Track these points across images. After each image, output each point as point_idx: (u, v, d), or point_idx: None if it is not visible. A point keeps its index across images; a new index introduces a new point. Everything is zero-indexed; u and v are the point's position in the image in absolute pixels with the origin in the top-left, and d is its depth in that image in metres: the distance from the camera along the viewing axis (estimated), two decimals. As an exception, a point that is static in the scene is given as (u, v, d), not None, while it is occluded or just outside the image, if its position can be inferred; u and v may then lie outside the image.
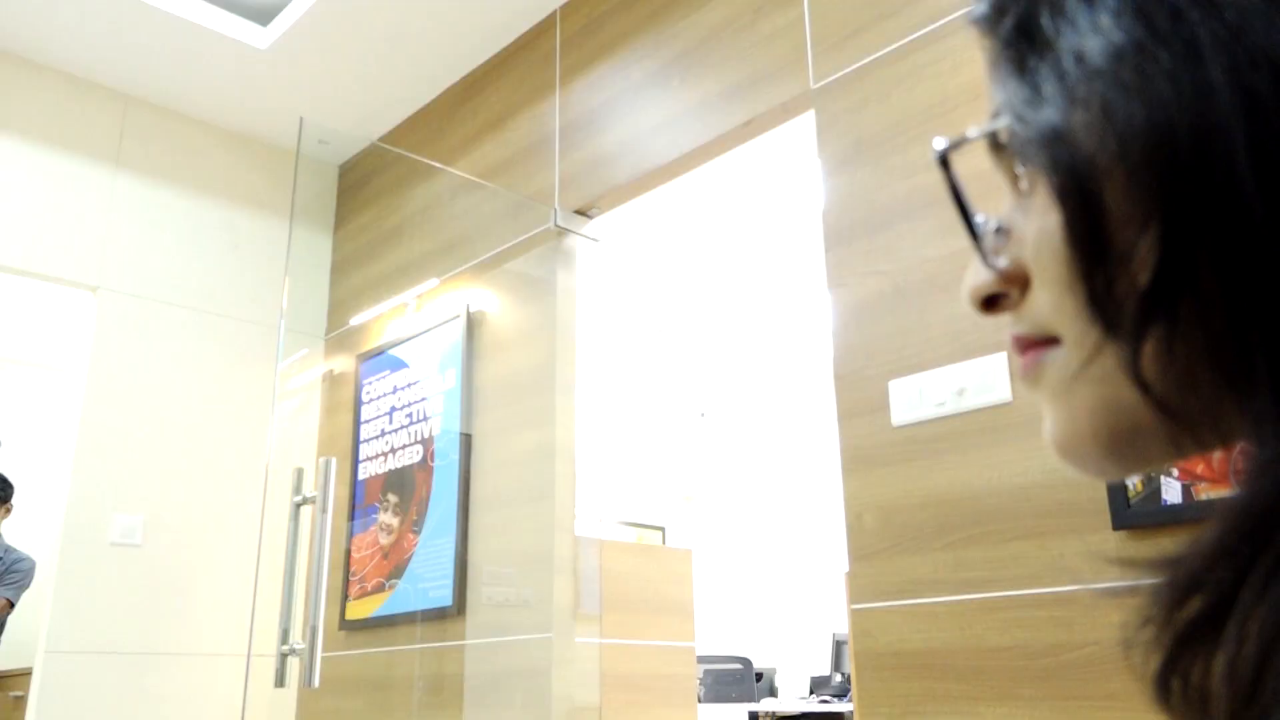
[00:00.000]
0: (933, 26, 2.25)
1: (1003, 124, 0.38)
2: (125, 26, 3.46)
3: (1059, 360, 0.38)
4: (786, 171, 4.15)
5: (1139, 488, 1.75)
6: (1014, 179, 0.39)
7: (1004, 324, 0.41)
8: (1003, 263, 0.39)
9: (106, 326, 3.61)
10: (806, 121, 2.53)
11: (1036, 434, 1.91)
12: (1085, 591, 1.79)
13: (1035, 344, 0.39)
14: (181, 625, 3.56)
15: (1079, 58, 0.34)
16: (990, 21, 0.39)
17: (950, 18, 2.22)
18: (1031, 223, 0.37)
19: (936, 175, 2.15)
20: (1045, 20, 0.36)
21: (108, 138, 3.75)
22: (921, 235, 2.17)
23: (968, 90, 2.16)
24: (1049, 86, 0.35)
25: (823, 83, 2.45)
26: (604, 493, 6.90)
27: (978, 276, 0.40)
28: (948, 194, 0.39)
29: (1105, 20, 0.33)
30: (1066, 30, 0.35)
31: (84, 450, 3.47)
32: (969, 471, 2.00)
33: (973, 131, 0.39)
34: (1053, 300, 0.37)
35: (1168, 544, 0.35)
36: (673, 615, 3.34)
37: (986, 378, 2.00)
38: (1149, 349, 0.33)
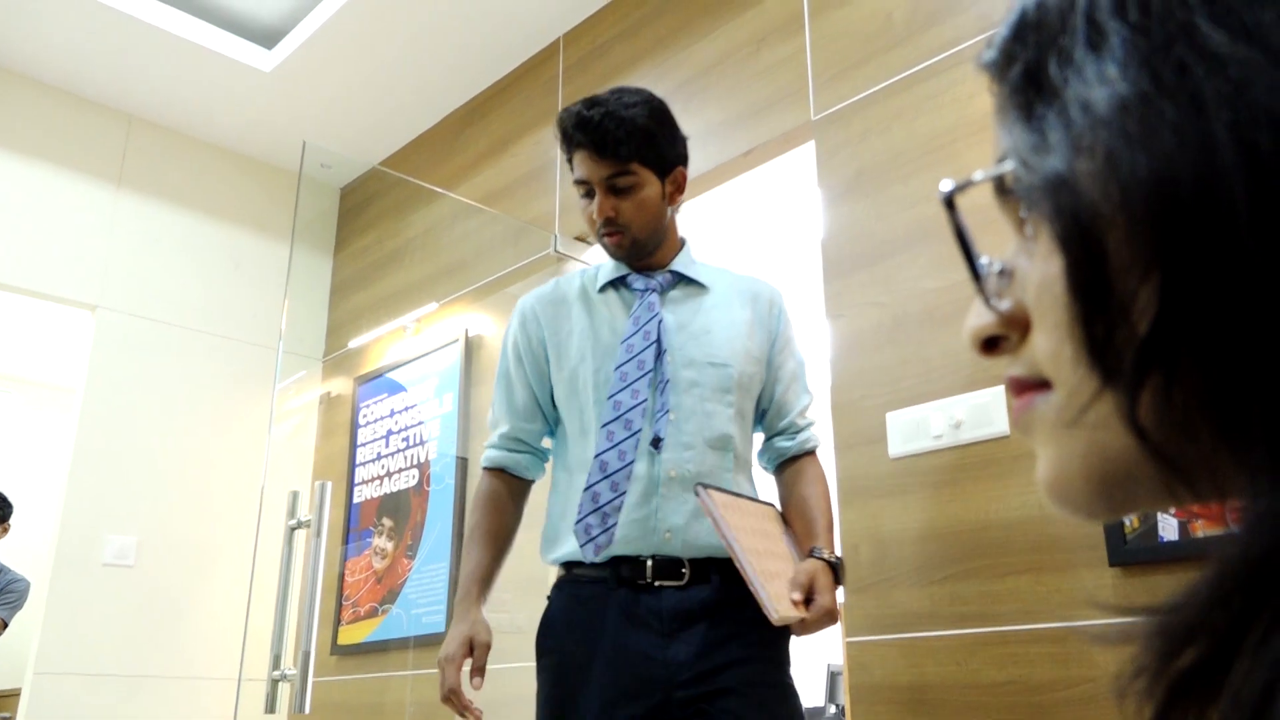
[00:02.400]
0: (934, 60, 2.26)
1: (1008, 169, 0.38)
2: (130, 47, 3.48)
3: (1051, 405, 0.38)
4: (786, 201, 4.16)
5: (1135, 524, 1.74)
6: (1019, 223, 0.39)
7: (1004, 360, 0.41)
8: (1005, 305, 0.39)
9: (104, 345, 3.60)
10: (807, 152, 2.54)
11: (1034, 468, 1.91)
12: (1082, 628, 1.78)
13: (1030, 387, 0.39)
14: (173, 648, 3.53)
15: (1085, 107, 0.34)
16: (999, 67, 0.40)
17: (952, 52, 2.23)
18: (1034, 267, 0.38)
19: (936, 208, 2.16)
20: (1053, 69, 0.36)
21: (110, 157, 3.76)
22: (920, 267, 2.17)
23: (969, 124, 2.17)
24: (1055, 134, 0.35)
25: (824, 114, 2.47)
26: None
27: (979, 318, 0.40)
28: (953, 235, 0.39)
29: (1112, 71, 0.34)
30: (1074, 79, 0.35)
31: (78, 469, 3.46)
32: (966, 505, 2.00)
33: (979, 175, 0.39)
34: (1052, 345, 0.37)
35: (1163, 589, 0.35)
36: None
37: (984, 411, 2.00)
38: (1146, 397, 0.33)
